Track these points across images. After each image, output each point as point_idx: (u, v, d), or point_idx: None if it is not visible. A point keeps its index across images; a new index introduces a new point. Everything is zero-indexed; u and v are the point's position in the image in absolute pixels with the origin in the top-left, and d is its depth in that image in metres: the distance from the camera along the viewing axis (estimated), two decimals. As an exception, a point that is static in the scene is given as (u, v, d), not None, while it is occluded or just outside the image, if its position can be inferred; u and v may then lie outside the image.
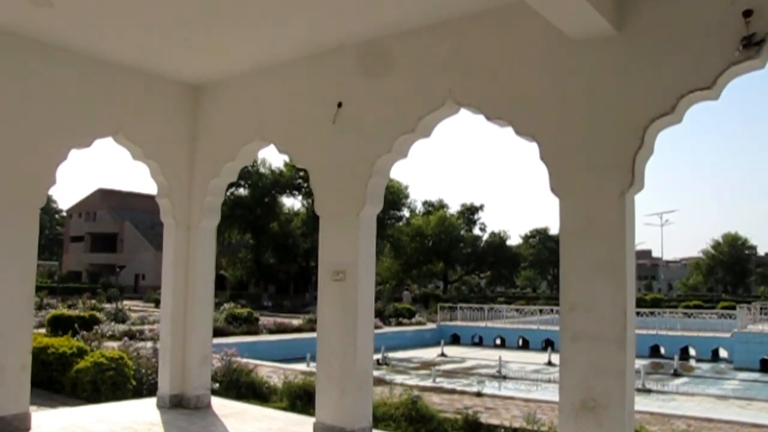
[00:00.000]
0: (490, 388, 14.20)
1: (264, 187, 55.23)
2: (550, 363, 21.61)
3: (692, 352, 26.30)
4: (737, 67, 4.87)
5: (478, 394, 11.45)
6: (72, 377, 10.50)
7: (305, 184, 54.66)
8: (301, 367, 15.16)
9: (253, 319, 24.85)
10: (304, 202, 58.36)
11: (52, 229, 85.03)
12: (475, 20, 6.27)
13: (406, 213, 65.01)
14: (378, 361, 19.27)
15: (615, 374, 5.24)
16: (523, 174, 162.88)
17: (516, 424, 8.77)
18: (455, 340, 30.15)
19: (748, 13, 4.74)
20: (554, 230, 79.41)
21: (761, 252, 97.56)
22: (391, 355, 21.55)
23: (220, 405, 9.02)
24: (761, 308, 29.85)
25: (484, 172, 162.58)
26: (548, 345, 25.08)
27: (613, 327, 5.27)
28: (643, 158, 5.34)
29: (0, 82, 7.23)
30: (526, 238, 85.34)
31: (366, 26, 6.83)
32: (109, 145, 8.96)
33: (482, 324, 31.38)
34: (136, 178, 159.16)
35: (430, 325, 31.94)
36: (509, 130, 6.04)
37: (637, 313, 5.75)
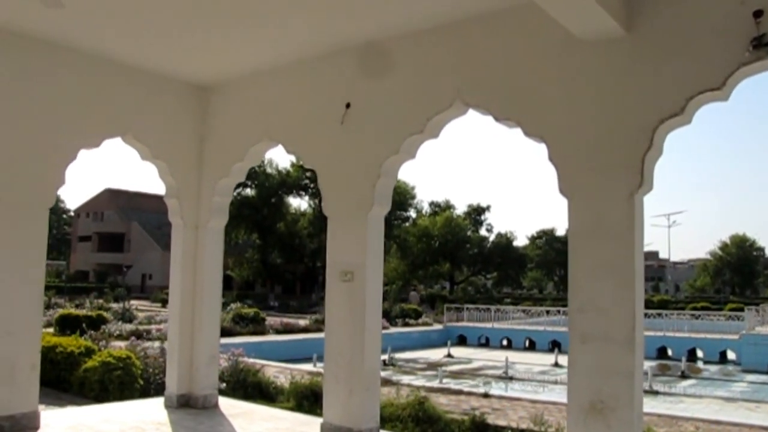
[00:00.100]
0: (496, 389, 14.19)
1: (271, 188, 55.35)
2: (557, 364, 21.57)
3: (700, 353, 26.20)
4: (747, 68, 4.85)
5: (485, 395, 11.44)
6: (80, 376, 10.54)
7: (312, 185, 54.83)
8: (308, 367, 15.17)
9: (259, 319, 24.87)
10: (311, 203, 58.46)
11: (60, 229, 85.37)
12: (484, 21, 6.27)
13: (412, 213, 65.05)
14: (384, 361, 19.26)
15: (624, 376, 5.23)
16: (530, 175, 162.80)
17: (523, 426, 8.76)
18: (462, 341, 30.13)
19: (758, 14, 4.72)
20: (561, 231, 79.55)
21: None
22: (397, 355, 21.56)
23: (228, 405, 9.04)
24: (769, 310, 29.73)
25: (490, 172, 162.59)
26: (555, 346, 25.02)
27: (621, 328, 5.26)
28: (652, 159, 5.32)
29: (10, 83, 7.27)
30: (532, 239, 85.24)
31: (374, 27, 6.83)
32: (117, 145, 9.00)
33: (489, 325, 31.33)
34: (143, 178, 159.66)
35: (437, 326, 31.92)
36: (516, 131, 6.04)
37: (645, 315, 5.74)
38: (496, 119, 6.13)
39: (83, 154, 7.96)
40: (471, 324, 31.87)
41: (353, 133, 7.24)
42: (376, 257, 7.25)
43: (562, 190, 5.67)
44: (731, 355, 25.38)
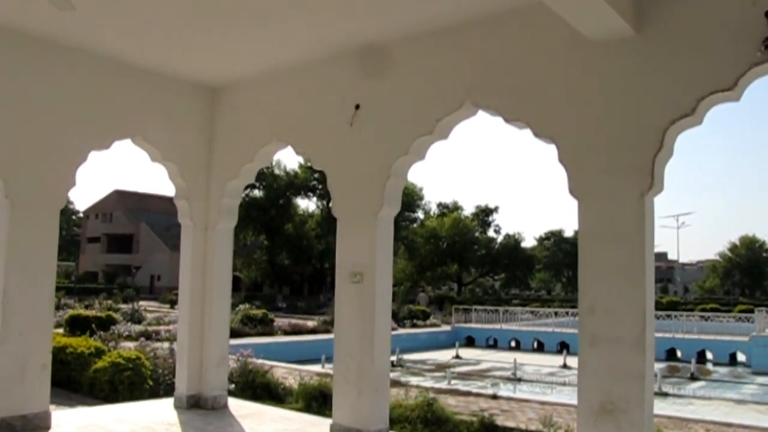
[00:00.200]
0: (505, 390, 14.18)
1: (279, 189, 55.48)
2: (565, 366, 21.50)
3: (709, 355, 26.04)
4: (759, 68, 4.84)
5: (494, 397, 11.43)
6: (90, 377, 10.58)
7: (320, 186, 54.94)
8: (316, 368, 15.18)
9: (267, 320, 24.91)
10: (319, 204, 58.57)
11: (69, 230, 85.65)
12: (493, 22, 6.26)
13: (420, 215, 65.05)
14: (393, 363, 19.23)
15: (634, 377, 5.21)
16: (538, 176, 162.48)
17: (532, 427, 8.74)
18: (470, 342, 30.06)
19: (770, 14, 4.70)
20: (569, 232, 79.36)
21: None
22: (405, 357, 21.54)
23: (237, 406, 9.06)
24: (780, 312, 29.50)
25: (498, 174, 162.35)
26: (563, 348, 24.95)
27: (632, 330, 5.24)
28: (663, 160, 5.30)
29: (20, 84, 7.32)
30: (540, 240, 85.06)
31: (384, 28, 6.84)
32: (126, 146, 9.03)
33: (497, 326, 31.26)
34: (152, 179, 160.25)
35: (445, 327, 31.88)
36: (525, 132, 6.04)
37: (654, 316, 5.72)
38: (506, 120, 6.13)
39: (93, 155, 8.01)
40: (479, 325, 31.80)
41: (363, 135, 7.25)
42: (386, 258, 7.25)
43: (573, 191, 5.66)
44: (741, 357, 25.23)
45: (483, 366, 22.59)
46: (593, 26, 5.31)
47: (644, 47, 5.34)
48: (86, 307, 27.25)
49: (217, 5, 6.45)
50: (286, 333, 24.17)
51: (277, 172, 55.89)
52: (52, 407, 7.71)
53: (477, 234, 67.20)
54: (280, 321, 26.56)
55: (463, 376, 18.96)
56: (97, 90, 7.98)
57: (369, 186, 7.14)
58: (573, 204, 5.69)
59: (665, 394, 15.96)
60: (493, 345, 29.87)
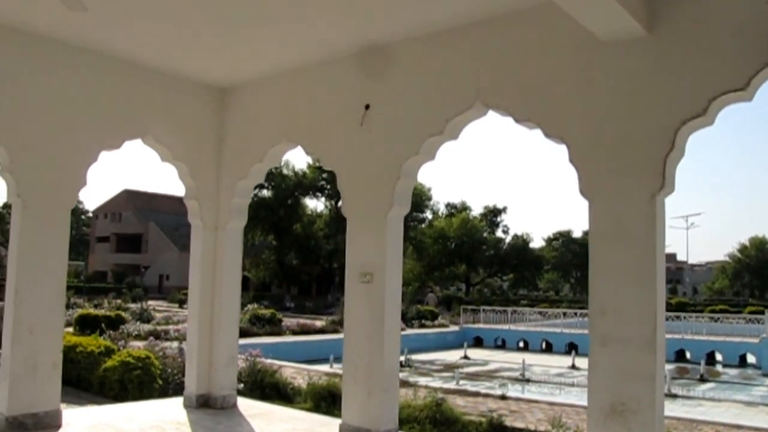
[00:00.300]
0: (513, 391, 14.13)
1: (287, 189, 55.59)
2: (573, 366, 21.44)
3: (719, 357, 25.90)
4: (772, 68, 4.81)
5: (503, 397, 11.41)
6: (100, 376, 10.64)
7: (328, 186, 55.03)
8: (325, 368, 15.18)
9: (276, 320, 24.94)
10: (327, 204, 58.66)
11: (79, 230, 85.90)
12: (504, 22, 6.25)
13: (428, 215, 65.04)
14: (401, 363, 19.19)
15: (645, 378, 5.19)
16: (546, 176, 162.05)
17: (541, 428, 8.72)
18: (478, 342, 30.01)
19: (783, 14, 4.68)
20: (577, 233, 79.14)
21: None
22: (413, 357, 21.51)
23: (246, 405, 9.08)
24: (790, 313, 29.31)
25: (506, 174, 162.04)
26: (572, 348, 24.85)
27: (642, 331, 5.22)
28: (674, 161, 5.28)
29: (31, 85, 7.36)
30: (549, 240, 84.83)
31: (394, 28, 6.84)
32: (135, 146, 9.07)
33: (505, 327, 31.19)
34: (160, 179, 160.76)
35: (453, 328, 31.83)
36: (532, 133, 6.03)
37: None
38: (517, 120, 6.12)
39: (103, 155, 8.04)
40: (487, 326, 31.72)
41: (373, 135, 7.25)
42: (396, 258, 7.25)
43: (583, 192, 5.64)
44: (751, 358, 25.08)
45: (491, 366, 22.55)
46: (604, 26, 5.29)
47: (656, 47, 5.32)
48: (96, 306, 27.40)
49: (227, 6, 6.46)
50: (295, 333, 24.18)
51: (285, 172, 55.99)
52: (62, 406, 7.75)
53: (485, 234, 67.11)
54: (289, 321, 26.58)
55: (472, 377, 18.93)
56: (109, 90, 8.02)
57: (379, 186, 7.14)
58: (581, 204, 5.69)
59: (674, 396, 15.88)
60: (502, 345, 29.81)
